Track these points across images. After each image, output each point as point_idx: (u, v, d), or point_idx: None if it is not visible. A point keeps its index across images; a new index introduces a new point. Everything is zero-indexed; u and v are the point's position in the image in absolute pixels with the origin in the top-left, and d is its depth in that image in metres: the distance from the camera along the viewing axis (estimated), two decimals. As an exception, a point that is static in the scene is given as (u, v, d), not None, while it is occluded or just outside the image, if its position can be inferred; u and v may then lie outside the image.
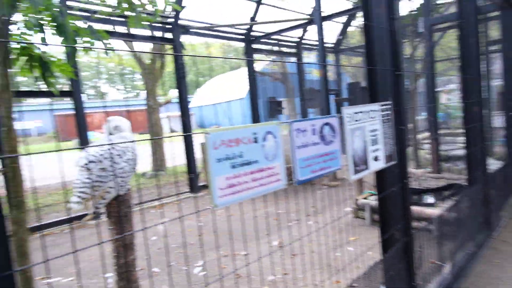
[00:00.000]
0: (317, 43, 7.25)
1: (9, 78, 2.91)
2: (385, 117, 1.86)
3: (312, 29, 9.66)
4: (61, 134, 25.77)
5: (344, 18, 10.16)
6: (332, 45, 11.11)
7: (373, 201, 4.81)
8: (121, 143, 2.09)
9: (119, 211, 2.00)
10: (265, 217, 5.49)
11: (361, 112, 1.65)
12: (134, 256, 2.07)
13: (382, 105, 1.85)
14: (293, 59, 10.34)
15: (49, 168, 9.72)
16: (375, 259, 2.11)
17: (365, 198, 4.97)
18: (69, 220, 5.67)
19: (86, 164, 1.96)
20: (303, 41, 10.19)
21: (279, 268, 3.66)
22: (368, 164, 1.72)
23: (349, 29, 11.08)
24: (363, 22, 2.04)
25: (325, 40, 7.10)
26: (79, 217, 2.05)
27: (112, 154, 2.01)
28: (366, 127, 1.70)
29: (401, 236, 2.14)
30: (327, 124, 1.48)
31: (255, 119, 8.64)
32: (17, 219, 2.53)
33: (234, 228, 5.12)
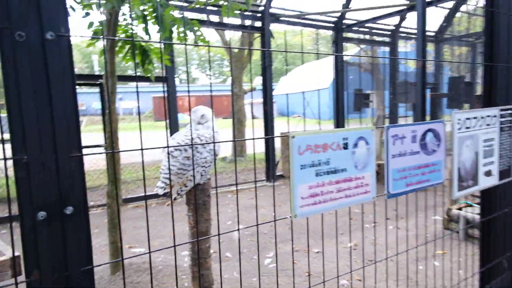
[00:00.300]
0: (415, 31, 6.56)
1: (115, 65, 3.21)
2: (505, 125, 1.54)
3: (411, 16, 8.78)
4: (156, 114, 28.33)
5: (450, 3, 9.02)
6: (433, 34, 9.99)
7: (469, 213, 4.23)
8: (182, 137, 2.12)
9: (198, 199, 2.05)
10: (341, 215, 5.26)
11: (475, 118, 1.38)
12: (209, 243, 2.12)
13: (503, 110, 1.53)
14: (387, 49, 9.58)
15: (146, 143, 10.77)
16: (466, 281, 1.81)
17: (459, 209, 4.41)
18: (156, 196, 6.18)
19: (172, 151, 2.04)
20: (399, 29, 9.36)
21: (353, 272, 3.46)
22: (478, 180, 1.45)
23: (456, 15, 9.80)
24: (485, 8, 1.70)
25: (426, 28, 6.38)
26: (165, 194, 2.15)
27: (197, 143, 2.05)
28: (479, 136, 1.42)
29: (511, 266, 1.80)
30: (430, 130, 1.26)
31: (339, 111, 8.28)
32: (112, 194, 2.81)
33: (306, 222, 5.02)
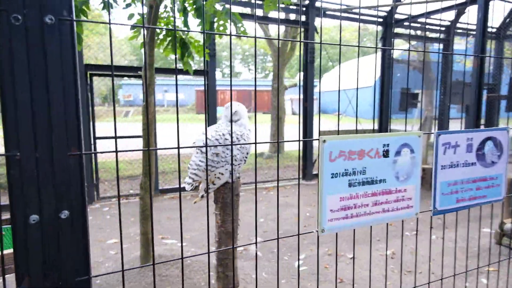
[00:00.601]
0: (473, 27, 6.02)
1: (153, 58, 3.23)
2: None
3: (469, 11, 8.09)
4: (198, 107, 28.96)
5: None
6: (495, 30, 9.16)
7: (527, 230, 3.81)
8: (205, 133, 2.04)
9: (226, 198, 1.99)
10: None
11: (546, 126, 1.16)
12: (236, 244, 2.05)
13: None
14: (440, 46, 8.94)
15: (185, 135, 11.02)
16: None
17: (515, 224, 3.99)
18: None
19: (200, 147, 1.99)
20: (456, 25, 8.68)
21: (390, 283, 3.24)
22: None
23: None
24: None
25: (487, 24, 5.83)
26: (197, 188, 2.12)
27: (227, 140, 1.98)
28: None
29: None
30: (490, 138, 1.08)
31: (382, 110, 7.88)
32: (145, 185, 2.84)
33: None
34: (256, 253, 1.32)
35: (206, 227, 4.52)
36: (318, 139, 0.90)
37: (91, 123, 5.45)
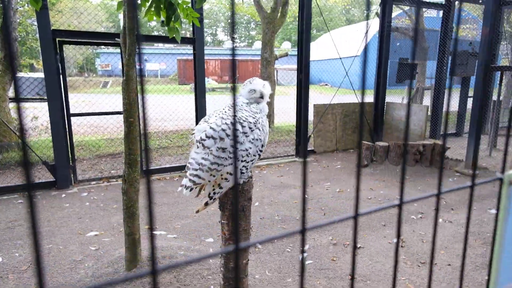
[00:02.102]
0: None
1: (135, 22, 2.66)
2: None
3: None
4: (180, 77, 27.83)
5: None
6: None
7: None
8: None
9: (235, 204, 1.57)
10: (381, 201, 4.72)
11: None
12: (247, 259, 1.66)
13: None
14: (433, 13, 8.45)
15: (168, 109, 10.37)
16: None
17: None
18: (180, 168, 5.79)
19: (203, 140, 1.54)
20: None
21: (403, 277, 2.96)
22: None
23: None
24: None
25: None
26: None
27: (236, 130, 1.53)
28: None
29: None
30: None
31: (380, 82, 7.46)
32: (129, 178, 2.37)
33: (343, 208, 4.52)
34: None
35: (201, 214, 4.12)
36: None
37: (63, 98, 4.81)
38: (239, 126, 1.56)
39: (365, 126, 7.72)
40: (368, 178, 5.76)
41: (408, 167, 6.06)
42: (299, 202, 4.64)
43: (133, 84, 2.29)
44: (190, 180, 1.57)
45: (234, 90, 0.47)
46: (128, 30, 2.28)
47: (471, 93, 8.66)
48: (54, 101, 4.66)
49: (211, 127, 1.57)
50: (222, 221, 1.64)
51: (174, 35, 2.96)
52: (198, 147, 1.60)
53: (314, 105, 7.22)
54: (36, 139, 7.46)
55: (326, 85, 27.56)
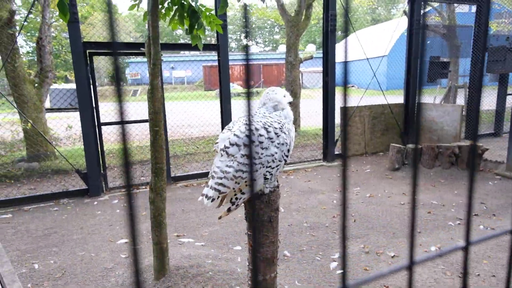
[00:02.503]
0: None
1: (157, 30, 2.68)
2: None
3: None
4: (206, 84, 28.23)
5: None
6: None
7: None
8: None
9: (262, 214, 1.51)
10: (416, 207, 4.50)
11: None
12: (275, 273, 1.60)
13: None
14: (470, 7, 8.06)
15: (194, 115, 10.50)
16: None
17: None
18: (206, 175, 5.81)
19: (227, 148, 1.50)
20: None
21: (443, 290, 2.78)
22: None
23: None
24: None
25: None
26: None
27: (262, 136, 1.48)
28: None
29: None
30: None
31: (410, 82, 7.19)
32: (156, 187, 2.37)
33: (375, 214, 4.34)
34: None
35: (229, 220, 4.09)
36: None
37: (93, 107, 4.96)
38: (264, 132, 1.50)
39: (395, 128, 7.46)
40: (400, 182, 5.53)
41: (443, 170, 5.77)
42: (327, 208, 4.52)
43: (158, 93, 2.29)
44: (215, 189, 1.53)
45: (248, 96, 0.42)
46: (152, 39, 2.29)
47: (510, 90, 8.17)
48: (85, 111, 4.81)
49: (235, 134, 1.53)
50: (249, 232, 1.59)
51: (197, 43, 2.96)
52: (222, 155, 1.56)
53: (341, 107, 7.06)
54: (70, 148, 7.75)
55: (352, 86, 27.05)
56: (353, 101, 7.72)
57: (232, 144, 1.50)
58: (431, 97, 10.54)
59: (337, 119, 7.04)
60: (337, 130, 7.11)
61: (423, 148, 5.94)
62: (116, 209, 4.59)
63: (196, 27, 2.97)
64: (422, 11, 3.62)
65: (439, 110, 6.78)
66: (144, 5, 3.07)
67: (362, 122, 7.22)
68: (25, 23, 10.97)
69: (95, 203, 4.83)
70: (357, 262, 3.20)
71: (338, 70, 6.56)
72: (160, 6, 2.90)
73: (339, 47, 6.68)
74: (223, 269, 2.63)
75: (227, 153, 1.53)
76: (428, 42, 7.65)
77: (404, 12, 9.16)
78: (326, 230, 3.89)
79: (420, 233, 3.79)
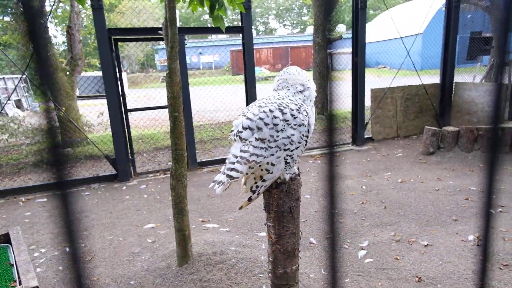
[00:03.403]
0: None
1: (174, 12, 2.59)
2: None
3: None
4: (234, 68, 28.13)
5: None
6: None
7: None
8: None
9: (282, 205, 1.41)
10: (450, 193, 4.23)
11: None
12: (297, 265, 1.50)
13: None
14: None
15: (220, 100, 10.47)
16: None
17: None
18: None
19: (240, 132, 1.40)
20: None
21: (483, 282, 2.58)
22: None
23: None
24: None
25: None
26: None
27: (276, 118, 1.36)
28: None
29: None
30: None
31: (447, 60, 6.71)
32: (177, 174, 2.33)
33: (407, 201, 4.13)
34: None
35: (253, 206, 4.04)
36: None
37: (119, 94, 5.01)
38: (278, 113, 1.39)
39: (430, 110, 7.04)
40: (435, 167, 5.23)
41: (483, 154, 5.39)
42: (356, 194, 4.35)
43: (176, 78, 2.22)
44: (227, 175, 1.45)
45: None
46: (169, 21, 2.20)
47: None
48: (112, 97, 4.87)
49: (247, 117, 1.43)
50: (268, 223, 1.50)
51: (218, 24, 2.85)
52: (235, 141, 1.48)
53: (372, 89, 6.74)
54: (101, 134, 7.98)
55: (384, 67, 25.99)
56: (384, 82, 7.35)
57: (244, 128, 1.41)
58: (470, 76, 9.86)
59: (367, 102, 6.74)
60: (367, 113, 6.82)
61: (461, 131, 5.57)
62: (144, 194, 4.66)
63: (216, 7, 2.86)
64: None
65: (480, 90, 6.31)
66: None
67: (394, 104, 6.87)
68: (58, 13, 11.28)
69: (124, 188, 4.94)
70: (387, 251, 3.05)
71: (369, 50, 6.22)
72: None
73: (370, 26, 6.33)
74: (247, 256, 2.59)
75: (240, 137, 1.44)
76: (469, 16, 7.08)
77: (442, -16, 8.51)
78: (354, 217, 3.75)
79: (456, 221, 3.56)
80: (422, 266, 2.80)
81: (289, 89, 1.51)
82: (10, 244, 1.54)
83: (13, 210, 4.32)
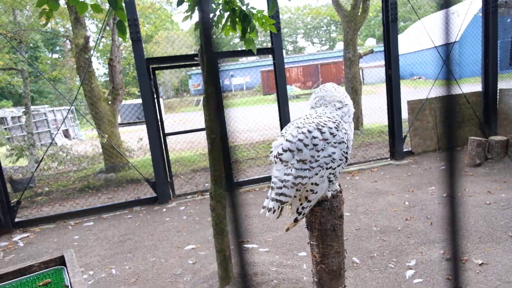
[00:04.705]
0: None
1: (208, 40, 2.70)
2: None
3: None
4: (264, 88, 28.51)
5: None
6: None
7: None
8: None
9: (324, 222, 1.39)
10: (504, 207, 3.94)
11: None
12: (344, 285, 1.46)
13: None
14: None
15: (253, 120, 10.61)
16: None
17: None
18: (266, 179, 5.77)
19: (280, 154, 1.42)
20: None
21: (549, 305, 2.35)
22: None
23: None
24: None
25: None
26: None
27: (315, 138, 1.36)
28: None
29: None
30: None
31: (488, 68, 6.40)
32: (215, 195, 2.37)
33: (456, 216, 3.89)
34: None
35: (294, 234, 3.99)
36: None
37: (158, 119, 5.23)
38: (317, 133, 1.39)
39: (473, 119, 6.70)
40: (483, 179, 4.92)
41: (537, 164, 5.01)
42: (398, 211, 4.17)
43: (213, 100, 2.29)
44: (276, 200, 1.45)
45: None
46: (204, 47, 2.30)
47: None
48: (151, 123, 5.09)
49: (286, 139, 1.44)
50: (311, 242, 1.48)
51: (250, 47, 2.94)
52: (276, 163, 1.48)
53: (408, 101, 6.55)
54: (141, 158, 8.30)
55: (419, 78, 25.21)
56: (421, 93, 7.12)
57: (285, 150, 1.42)
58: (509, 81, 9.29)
59: (404, 114, 6.54)
60: (405, 126, 6.60)
61: (510, 140, 5.23)
62: (183, 215, 4.76)
63: (248, 30, 2.96)
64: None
65: None
66: (196, 16, 3.14)
67: (433, 115, 6.61)
68: (100, 47, 12.12)
69: (164, 210, 5.07)
70: (437, 270, 2.87)
71: (402, 62, 6.08)
72: (211, 15, 2.94)
73: (401, 38, 6.22)
74: (288, 277, 2.54)
75: (281, 160, 1.45)
76: (509, 20, 6.77)
77: (476, -10, 8.24)
78: (398, 235, 3.58)
79: (513, 237, 3.30)
80: (478, 287, 2.61)
81: (327, 106, 1.51)
82: (65, 266, 1.64)
83: (63, 234, 4.56)
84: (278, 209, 1.48)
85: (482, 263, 2.92)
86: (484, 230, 3.46)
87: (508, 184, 4.59)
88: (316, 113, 1.51)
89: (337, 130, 1.42)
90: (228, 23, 3.02)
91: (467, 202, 4.19)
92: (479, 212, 3.87)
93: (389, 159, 6.47)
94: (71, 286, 1.44)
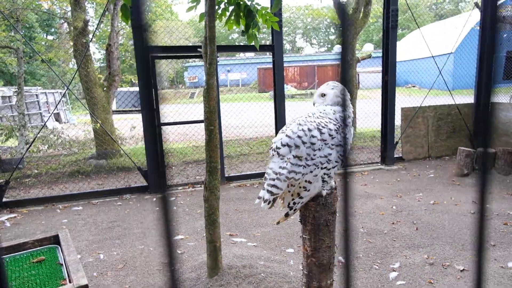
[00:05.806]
0: None
1: (214, 31, 2.72)
2: None
3: None
4: (260, 85, 28.50)
5: None
6: None
7: None
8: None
9: (318, 218, 1.43)
10: (487, 217, 4.05)
11: None
12: (332, 279, 1.51)
13: None
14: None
15: (247, 116, 10.62)
16: None
17: None
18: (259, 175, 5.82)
19: (278, 148, 1.45)
20: None
21: (524, 313, 2.44)
22: None
23: None
24: None
25: None
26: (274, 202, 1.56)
27: (314, 137, 1.40)
28: None
29: None
30: None
31: (481, 81, 6.53)
32: (210, 186, 2.40)
33: (440, 223, 3.99)
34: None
35: (284, 231, 4.04)
36: None
37: (154, 109, 5.21)
38: (317, 133, 1.43)
39: (463, 130, 6.83)
40: (470, 189, 5.04)
41: (522, 178, 5.15)
42: (385, 214, 4.25)
43: (213, 93, 2.32)
44: (267, 191, 1.49)
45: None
46: (209, 39, 2.32)
47: None
48: (147, 112, 5.08)
49: (286, 135, 1.48)
50: (304, 236, 1.52)
51: (252, 42, 2.96)
52: (273, 156, 1.52)
53: (402, 108, 6.65)
54: (133, 147, 8.27)
55: (413, 86, 25.51)
56: (414, 101, 7.22)
57: (283, 145, 1.46)
58: (506, 96, 9.50)
59: (398, 121, 6.64)
60: (397, 132, 6.70)
61: (498, 153, 5.36)
62: (173, 206, 4.77)
63: (251, 25, 2.98)
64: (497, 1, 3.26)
65: None
66: (201, 7, 3.15)
67: (425, 123, 6.72)
68: (97, 32, 11.98)
69: (154, 199, 5.07)
70: (420, 274, 2.95)
71: (397, 69, 6.16)
72: (216, 7, 2.96)
73: (398, 46, 6.30)
74: (276, 272, 2.58)
75: (278, 153, 1.49)
76: (505, 35, 6.91)
77: (476, 4, 8.40)
78: (384, 237, 3.66)
79: (494, 247, 3.40)
80: (457, 292, 2.69)
81: (331, 106, 1.55)
82: (59, 245, 1.65)
83: (51, 217, 4.54)
84: (271, 200, 1.52)
85: (463, 269, 3.01)
86: (467, 238, 3.56)
87: (493, 196, 4.71)
88: (320, 112, 1.55)
89: (337, 133, 1.47)
90: (232, 17, 3.04)
91: (452, 210, 4.29)
92: (464, 221, 3.98)
93: (379, 164, 6.57)
94: (65, 264, 1.46)
